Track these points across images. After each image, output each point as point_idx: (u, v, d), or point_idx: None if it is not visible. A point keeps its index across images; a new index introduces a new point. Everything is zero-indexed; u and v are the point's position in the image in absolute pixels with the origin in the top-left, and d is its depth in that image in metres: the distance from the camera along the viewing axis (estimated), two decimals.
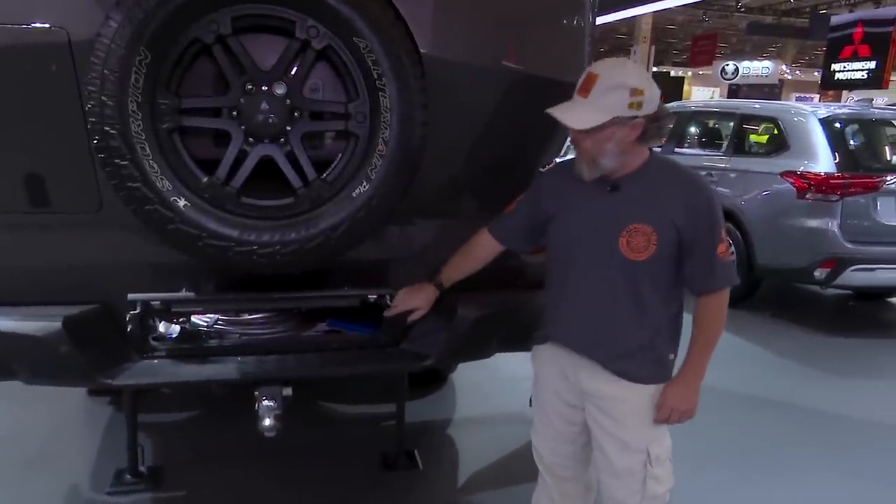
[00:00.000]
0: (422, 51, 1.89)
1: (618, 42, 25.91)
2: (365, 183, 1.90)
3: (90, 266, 2.12)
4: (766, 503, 2.95)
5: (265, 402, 2.16)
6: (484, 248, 2.12)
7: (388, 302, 2.27)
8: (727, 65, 22.75)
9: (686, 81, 28.00)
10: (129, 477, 2.82)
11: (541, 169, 2.39)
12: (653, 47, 20.80)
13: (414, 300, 2.20)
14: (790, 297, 6.46)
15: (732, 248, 1.88)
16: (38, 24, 1.76)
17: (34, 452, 3.07)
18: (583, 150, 1.83)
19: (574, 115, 1.78)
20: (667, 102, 2.36)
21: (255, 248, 1.87)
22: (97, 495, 2.77)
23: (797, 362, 4.76)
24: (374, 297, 2.27)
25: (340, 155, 1.95)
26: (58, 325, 2.01)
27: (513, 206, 2.07)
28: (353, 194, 1.90)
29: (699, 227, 1.81)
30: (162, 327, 2.31)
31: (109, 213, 1.97)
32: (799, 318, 5.79)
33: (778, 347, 5.01)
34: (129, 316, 2.14)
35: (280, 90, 1.83)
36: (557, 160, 2.43)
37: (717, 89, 25.80)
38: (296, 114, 1.86)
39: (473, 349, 2.44)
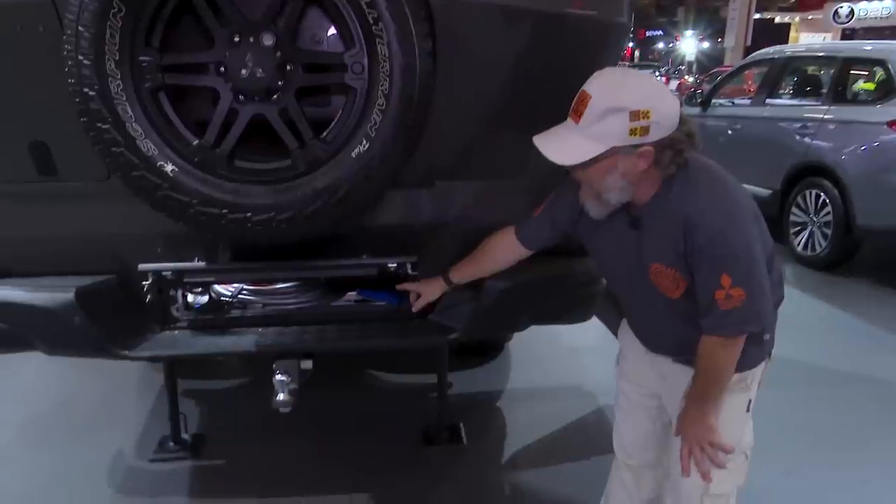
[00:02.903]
0: None
1: None
2: (365, 141, 1.72)
3: (102, 236, 2.06)
4: (836, 497, 2.61)
5: (279, 377, 2.07)
6: (509, 251, 1.94)
7: (410, 271, 2.12)
8: (840, 7, 21.03)
9: (793, 28, 26.07)
10: (171, 444, 2.84)
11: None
12: None
13: (417, 287, 2.09)
14: (894, 262, 5.86)
15: (746, 299, 1.46)
16: None
17: (87, 417, 3.14)
18: (584, 185, 1.59)
19: (561, 146, 1.51)
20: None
21: (249, 214, 1.74)
22: (140, 462, 2.79)
23: None
24: (394, 265, 2.12)
25: (338, 112, 1.78)
26: (70, 296, 1.98)
27: (540, 209, 1.86)
28: (353, 154, 1.73)
29: (697, 256, 1.50)
30: (189, 297, 2.26)
31: (119, 182, 1.89)
32: None
33: (878, 318, 4.50)
34: (145, 287, 2.09)
35: (268, 41, 1.66)
36: None
37: (829, 35, 23.88)
38: (287, 67, 1.70)
39: (503, 322, 2.27)
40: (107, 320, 2.04)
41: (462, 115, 1.91)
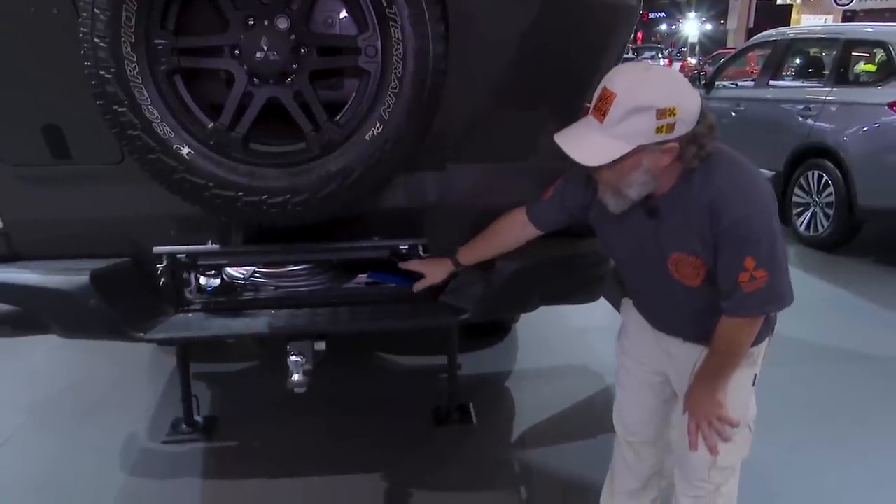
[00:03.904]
0: None
1: None
2: (379, 124, 1.74)
3: (117, 219, 2.08)
4: (842, 471, 2.64)
5: (293, 358, 2.10)
6: (519, 230, 1.94)
7: (421, 253, 2.14)
8: None
9: (794, 10, 25.89)
10: (184, 427, 2.87)
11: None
12: None
13: (425, 268, 2.10)
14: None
15: (768, 280, 1.49)
16: None
17: (99, 399, 3.17)
18: (603, 182, 1.58)
19: (586, 147, 1.48)
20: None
21: (264, 197, 1.76)
22: (153, 444, 2.82)
23: None
24: (406, 247, 2.13)
25: (352, 95, 1.79)
26: (85, 279, 1.99)
27: (550, 191, 1.86)
28: (367, 137, 1.75)
29: (722, 240, 1.51)
30: (203, 280, 2.28)
31: (133, 164, 1.90)
32: None
33: (881, 297, 4.54)
34: (159, 269, 2.11)
35: (283, 24, 1.68)
36: None
37: (829, 17, 23.73)
38: (301, 50, 1.71)
39: (513, 303, 2.29)
40: (122, 303, 2.06)
41: (473, 97, 1.92)
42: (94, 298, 2.00)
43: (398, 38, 1.68)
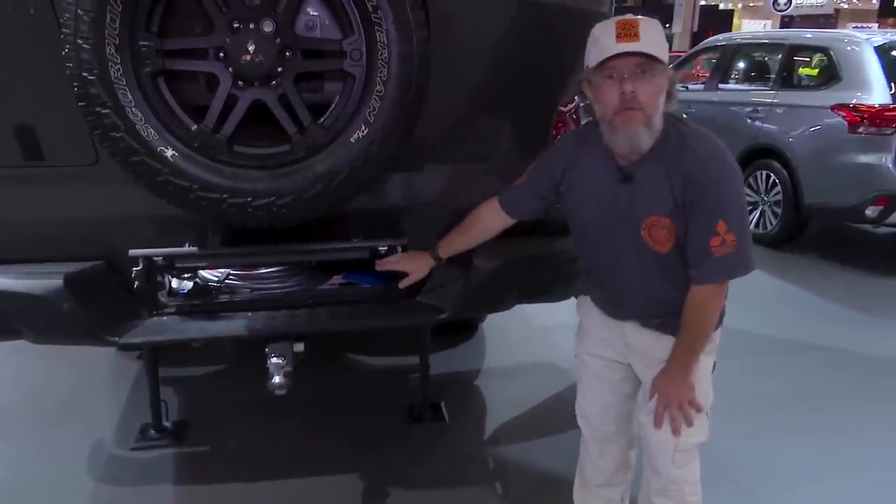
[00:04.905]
0: None
1: None
2: (364, 127, 1.77)
3: (91, 222, 2.05)
4: (801, 457, 2.77)
5: (274, 360, 2.10)
6: (492, 219, 1.97)
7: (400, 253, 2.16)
8: None
9: (735, 15, 26.72)
10: (153, 432, 2.82)
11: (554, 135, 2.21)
12: None
13: (407, 265, 2.11)
14: (840, 237, 6.16)
15: (737, 244, 1.59)
16: None
17: (59, 407, 3.09)
18: (639, 106, 1.58)
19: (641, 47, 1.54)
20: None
21: (249, 199, 1.77)
22: (121, 451, 2.76)
23: (846, 306, 4.51)
24: (385, 248, 2.16)
25: (337, 97, 1.81)
26: (59, 282, 1.96)
27: (524, 177, 1.90)
28: (352, 140, 1.77)
29: (695, 205, 1.59)
30: (174, 283, 2.26)
31: (107, 166, 1.88)
32: (849, 259, 5.50)
33: (826, 291, 4.76)
34: (134, 272, 2.08)
35: (268, 27, 1.69)
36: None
37: (769, 22, 24.56)
38: (287, 53, 1.72)
39: (490, 301, 2.34)
40: (96, 306, 2.03)
41: (454, 99, 1.96)
42: (67, 302, 1.97)
43: (383, 42, 1.71)
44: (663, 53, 1.56)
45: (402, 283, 2.13)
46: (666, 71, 1.58)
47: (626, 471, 2.12)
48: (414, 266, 2.11)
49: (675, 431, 1.77)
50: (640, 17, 1.56)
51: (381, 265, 2.14)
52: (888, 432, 2.97)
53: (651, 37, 1.54)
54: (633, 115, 1.57)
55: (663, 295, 1.75)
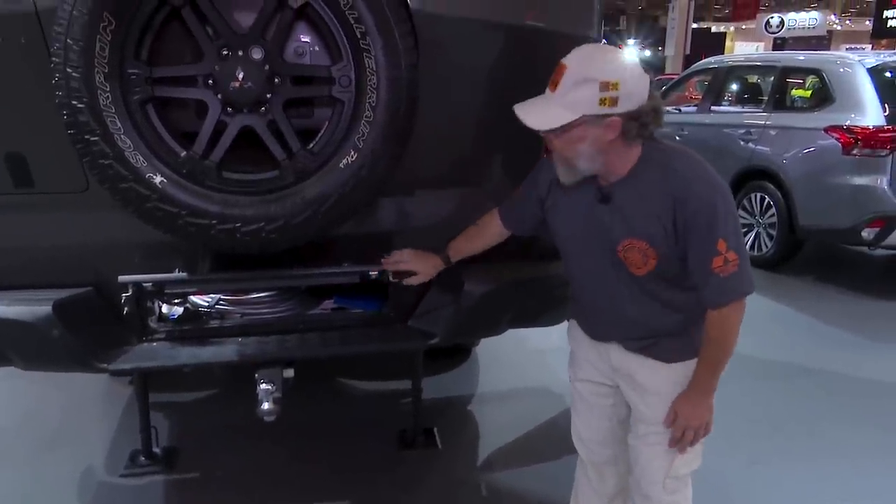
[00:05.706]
0: (410, 5, 1.74)
1: None
2: (353, 152, 1.77)
3: (80, 248, 2.05)
4: (797, 483, 2.74)
5: (263, 385, 2.08)
6: (492, 230, 2.00)
7: (391, 278, 2.15)
8: (771, 17, 21.91)
9: (728, 37, 27.03)
10: (143, 459, 2.79)
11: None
12: (692, 2, 20.07)
13: (416, 264, 2.08)
14: (835, 259, 6.17)
15: (740, 262, 1.57)
16: None
17: (50, 433, 3.06)
18: (555, 151, 1.65)
19: (537, 113, 1.57)
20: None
21: (238, 225, 1.77)
22: (111, 478, 2.74)
23: (842, 329, 4.50)
24: (376, 273, 2.15)
25: (326, 123, 1.82)
26: (48, 309, 1.95)
27: (520, 189, 1.91)
28: (341, 165, 1.78)
29: (688, 230, 1.58)
30: (164, 308, 2.25)
31: (97, 193, 1.88)
32: (844, 281, 5.51)
33: (821, 313, 4.76)
34: (124, 298, 2.07)
35: (257, 54, 1.70)
36: None
37: (761, 44, 24.82)
38: (275, 80, 1.73)
39: (482, 326, 2.32)
40: (85, 333, 2.02)
41: (443, 124, 1.97)
42: (57, 329, 1.96)
43: (372, 68, 1.72)
44: (579, 108, 1.51)
45: (408, 282, 2.10)
46: (590, 124, 1.53)
47: (625, 495, 2.10)
48: (422, 266, 2.08)
49: (682, 451, 1.77)
50: (574, 57, 1.53)
51: (389, 263, 2.11)
52: (884, 457, 2.94)
53: (563, 92, 1.51)
54: (555, 156, 1.65)
55: (644, 318, 1.73)
